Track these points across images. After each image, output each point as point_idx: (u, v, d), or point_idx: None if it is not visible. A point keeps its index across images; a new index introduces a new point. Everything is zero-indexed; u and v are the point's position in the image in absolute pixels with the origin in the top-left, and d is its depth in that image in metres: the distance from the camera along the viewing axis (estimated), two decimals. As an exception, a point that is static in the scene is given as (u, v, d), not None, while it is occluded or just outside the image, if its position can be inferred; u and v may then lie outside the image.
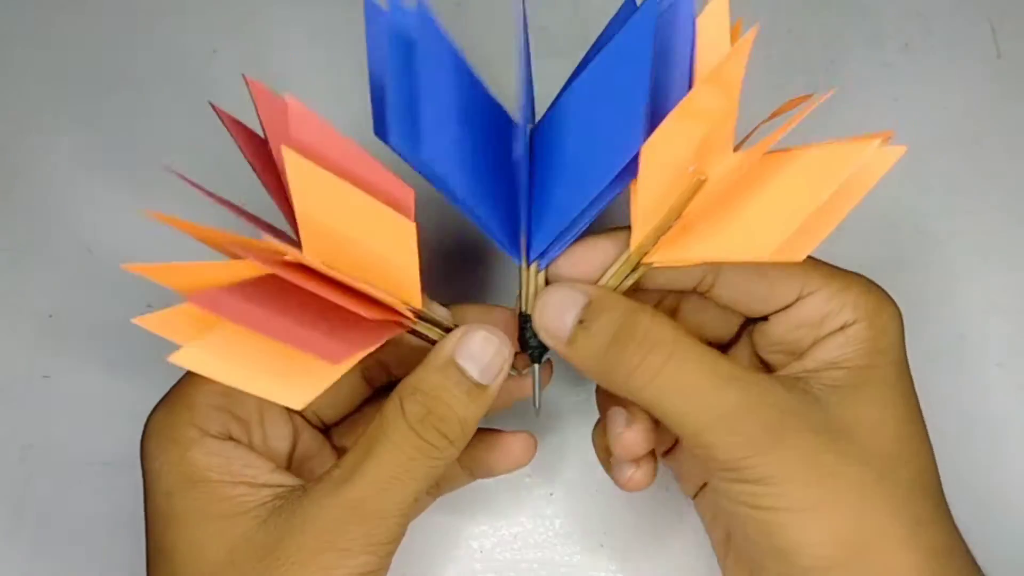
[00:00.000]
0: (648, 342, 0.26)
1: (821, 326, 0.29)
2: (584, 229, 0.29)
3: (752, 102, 0.42)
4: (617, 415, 0.30)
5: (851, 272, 0.30)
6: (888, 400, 0.28)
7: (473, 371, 0.27)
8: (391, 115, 0.26)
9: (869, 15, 0.43)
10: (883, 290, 0.30)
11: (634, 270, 0.28)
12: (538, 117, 0.30)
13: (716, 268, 0.30)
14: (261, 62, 0.43)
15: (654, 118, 0.27)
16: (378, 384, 0.33)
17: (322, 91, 0.42)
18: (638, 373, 0.26)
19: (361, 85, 0.43)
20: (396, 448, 0.26)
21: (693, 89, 0.26)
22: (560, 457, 0.37)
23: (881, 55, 0.42)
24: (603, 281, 0.29)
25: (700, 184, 0.26)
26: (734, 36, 0.28)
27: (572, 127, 0.28)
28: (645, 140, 0.27)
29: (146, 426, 0.30)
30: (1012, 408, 0.38)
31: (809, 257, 0.29)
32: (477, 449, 0.32)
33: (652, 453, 0.31)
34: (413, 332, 0.28)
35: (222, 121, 0.28)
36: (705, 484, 0.33)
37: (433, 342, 0.28)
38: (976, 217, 0.40)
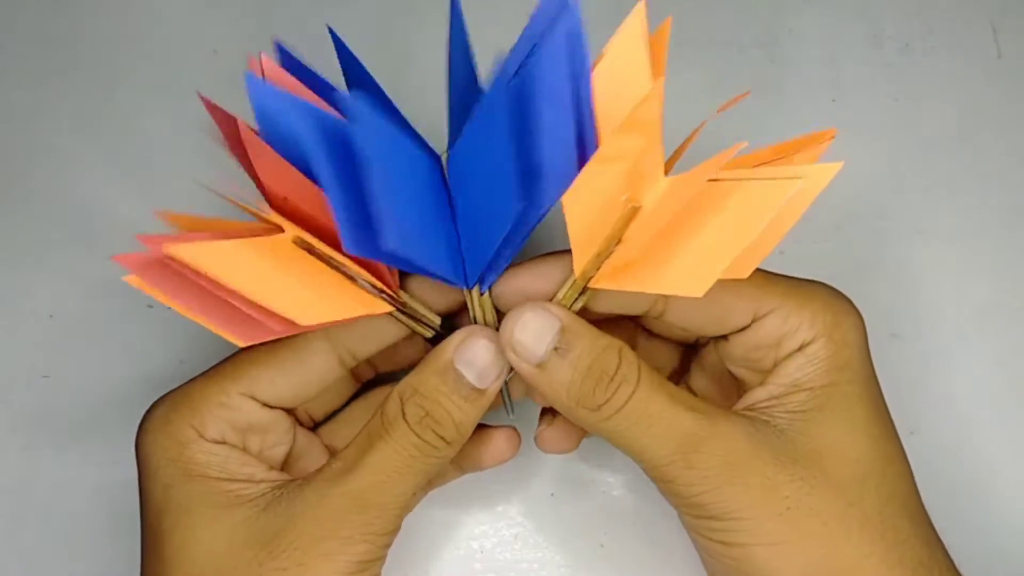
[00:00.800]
0: (619, 376, 0.27)
1: (779, 347, 0.29)
2: (518, 250, 0.29)
3: (753, 102, 0.42)
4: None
5: (812, 283, 0.30)
6: (853, 419, 0.28)
7: (471, 376, 0.27)
8: (341, 216, 0.25)
9: (869, 15, 0.43)
10: (844, 299, 0.30)
11: (581, 294, 0.28)
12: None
13: (665, 296, 0.29)
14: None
15: (580, 146, 0.26)
16: (365, 379, 0.34)
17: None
18: (605, 408, 0.27)
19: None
20: (397, 445, 0.27)
21: (605, 140, 0.26)
22: (561, 458, 0.37)
23: (881, 55, 0.42)
24: (556, 296, 0.29)
25: (634, 212, 0.27)
26: (661, 38, 0.27)
27: (470, 172, 0.28)
28: (521, 211, 0.26)
29: (143, 422, 0.30)
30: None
31: (768, 273, 0.29)
32: (465, 445, 0.32)
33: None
34: (396, 315, 0.29)
35: (209, 111, 0.28)
36: None
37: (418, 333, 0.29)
38: (976, 217, 0.40)
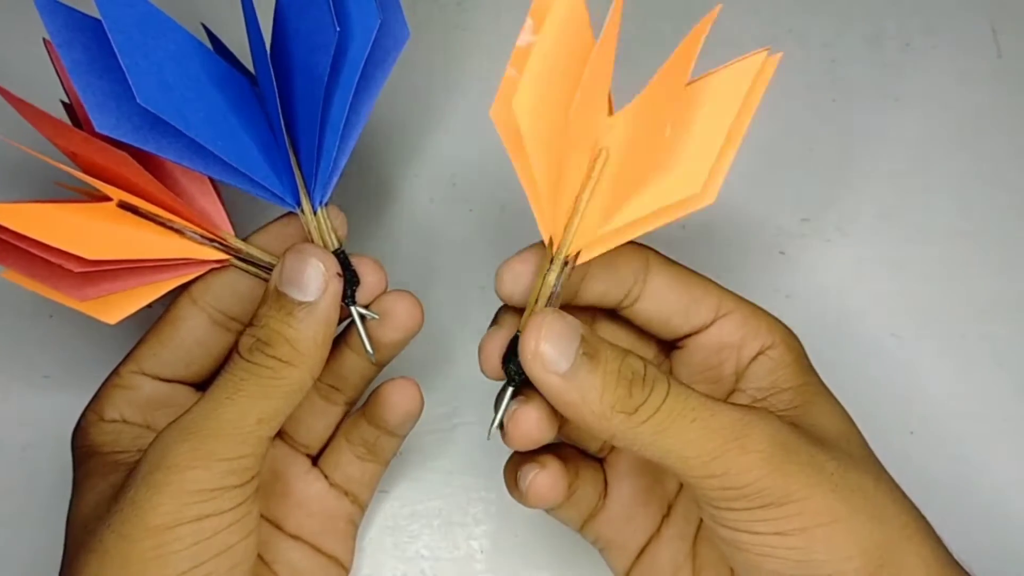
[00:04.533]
0: (651, 376, 0.26)
1: (742, 349, 0.30)
2: (345, 157, 0.29)
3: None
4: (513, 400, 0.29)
5: (757, 306, 0.31)
6: (833, 409, 0.29)
7: (294, 293, 0.27)
8: (88, 105, 0.27)
9: (869, 15, 0.43)
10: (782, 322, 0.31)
11: (566, 267, 0.28)
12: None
13: (643, 278, 0.29)
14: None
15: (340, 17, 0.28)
16: (350, 403, 0.34)
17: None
18: (643, 409, 0.25)
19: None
20: (228, 375, 0.27)
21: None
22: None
23: (881, 55, 0.42)
24: (542, 282, 0.28)
25: (606, 157, 0.26)
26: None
27: (288, 54, 0.30)
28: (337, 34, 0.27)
29: None
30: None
31: (724, 287, 0.30)
32: (371, 407, 0.32)
33: (562, 466, 0.30)
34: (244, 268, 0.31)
35: (8, 101, 0.29)
36: (641, 553, 0.32)
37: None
38: (976, 217, 0.40)
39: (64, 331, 0.39)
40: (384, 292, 0.31)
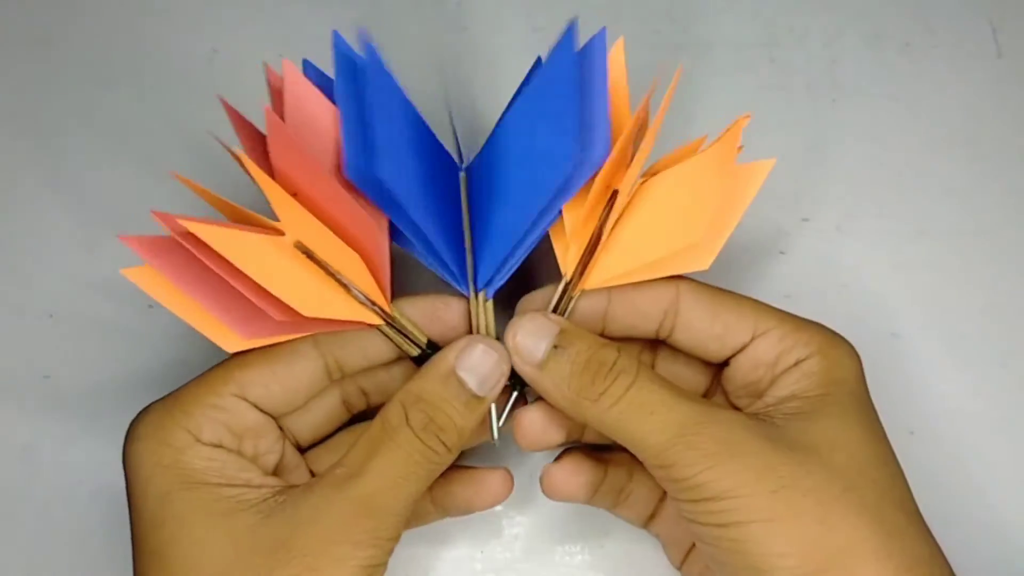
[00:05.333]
0: (616, 369, 0.28)
1: (776, 364, 0.30)
2: (525, 256, 0.31)
3: (754, 102, 0.42)
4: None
5: (807, 319, 0.31)
6: (847, 423, 0.29)
7: (472, 383, 0.29)
8: (347, 139, 0.28)
9: (869, 15, 0.43)
10: (840, 335, 0.31)
11: (566, 295, 0.31)
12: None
13: (674, 311, 0.31)
14: (261, 62, 0.43)
15: (583, 144, 0.29)
16: (356, 411, 0.34)
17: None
18: (605, 396, 0.28)
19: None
20: (402, 451, 0.28)
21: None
22: (560, 457, 0.37)
23: (881, 55, 0.42)
24: (550, 306, 0.31)
25: (614, 196, 0.30)
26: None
27: (509, 157, 0.30)
28: (578, 159, 0.29)
29: (132, 430, 0.29)
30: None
31: (766, 304, 0.31)
32: (453, 484, 0.32)
33: (582, 461, 0.32)
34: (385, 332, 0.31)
35: (228, 114, 0.30)
36: (691, 549, 0.33)
37: (406, 351, 0.31)
38: (976, 217, 0.40)
39: (64, 331, 0.39)
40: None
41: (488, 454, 0.36)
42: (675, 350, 0.33)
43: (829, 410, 0.29)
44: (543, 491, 0.33)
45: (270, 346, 0.29)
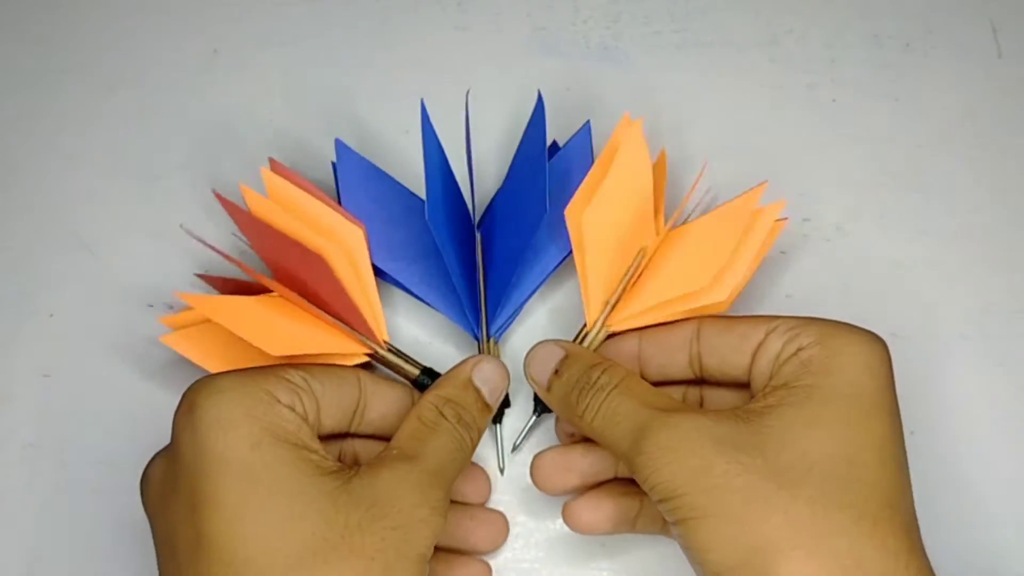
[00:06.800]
0: (596, 385, 0.31)
1: (780, 354, 0.31)
2: (526, 301, 0.38)
3: (754, 102, 0.42)
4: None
5: (835, 321, 0.32)
6: (819, 416, 0.29)
7: (485, 391, 0.33)
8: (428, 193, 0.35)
9: (869, 15, 0.43)
10: (870, 333, 0.31)
11: (590, 331, 0.35)
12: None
13: (696, 338, 0.34)
14: (261, 62, 0.43)
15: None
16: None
17: (320, 89, 0.42)
18: (587, 410, 0.31)
19: (358, 82, 0.44)
20: (447, 437, 0.32)
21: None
22: (560, 457, 0.37)
23: (881, 55, 0.42)
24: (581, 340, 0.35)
25: (644, 253, 0.35)
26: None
27: (505, 225, 0.37)
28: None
29: (206, 386, 0.29)
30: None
31: (774, 317, 0.32)
32: (455, 528, 0.35)
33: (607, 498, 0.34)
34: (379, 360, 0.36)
35: (223, 206, 0.35)
36: None
37: (403, 373, 0.36)
38: (976, 217, 0.40)
39: (64, 330, 0.39)
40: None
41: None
42: (718, 384, 0.34)
43: (806, 403, 0.29)
44: (568, 525, 0.34)
45: (328, 366, 0.34)
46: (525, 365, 0.34)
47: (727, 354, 0.33)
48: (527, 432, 0.36)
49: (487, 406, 0.33)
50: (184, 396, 0.30)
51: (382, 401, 0.34)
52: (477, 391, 0.33)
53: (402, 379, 0.36)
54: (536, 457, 0.34)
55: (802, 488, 0.28)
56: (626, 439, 0.30)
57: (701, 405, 0.35)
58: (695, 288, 0.34)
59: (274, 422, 0.29)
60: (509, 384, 0.34)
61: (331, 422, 0.32)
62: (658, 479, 0.29)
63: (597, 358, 0.33)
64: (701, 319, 0.34)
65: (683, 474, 0.28)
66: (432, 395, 0.33)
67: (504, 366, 0.34)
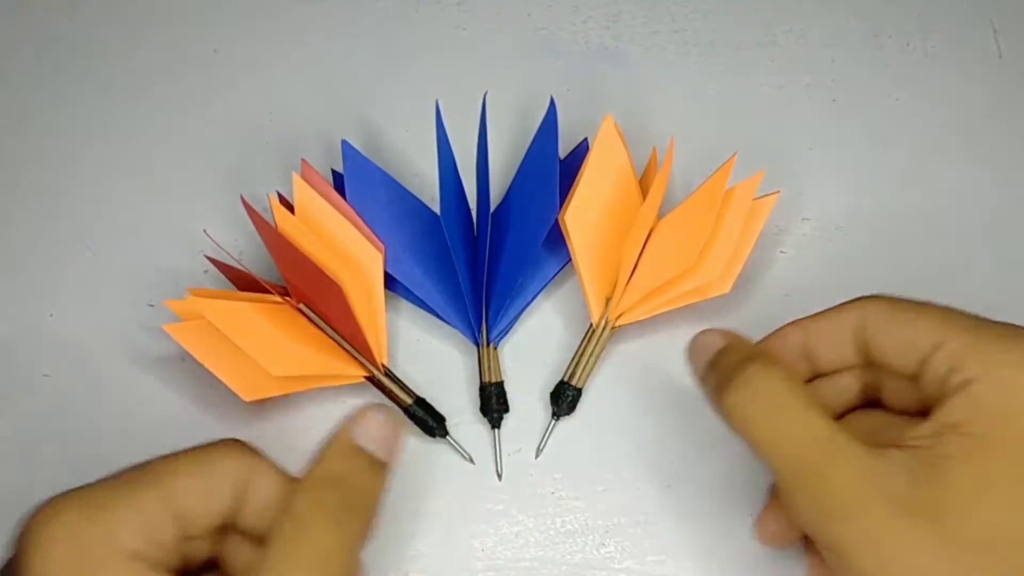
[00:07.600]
0: (743, 384, 0.29)
1: (946, 381, 0.28)
2: (525, 308, 0.38)
3: (754, 102, 0.42)
4: None
5: (1006, 324, 0.29)
6: (1000, 478, 0.26)
7: (376, 450, 0.29)
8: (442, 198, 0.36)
9: (869, 15, 0.43)
10: None
11: (604, 330, 0.36)
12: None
13: (863, 327, 0.30)
14: (261, 62, 0.43)
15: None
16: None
17: (320, 89, 0.42)
18: (735, 407, 0.29)
19: (358, 81, 0.44)
20: (332, 536, 0.27)
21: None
22: (562, 456, 0.37)
23: (881, 55, 0.43)
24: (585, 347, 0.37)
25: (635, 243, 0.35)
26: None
27: (512, 230, 0.37)
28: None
29: (35, 523, 0.27)
30: None
31: (958, 311, 0.29)
32: None
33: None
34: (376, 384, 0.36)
35: (248, 213, 0.34)
36: None
37: (394, 397, 0.35)
38: (976, 217, 0.40)
39: (64, 330, 0.39)
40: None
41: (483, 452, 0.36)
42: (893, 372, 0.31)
43: (983, 458, 0.26)
44: (758, 539, 0.33)
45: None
46: (687, 353, 0.32)
47: (893, 359, 0.30)
48: (547, 437, 0.37)
49: (382, 466, 0.29)
50: (24, 522, 0.27)
51: (266, 490, 0.29)
52: (367, 455, 0.29)
53: (395, 405, 0.36)
54: (762, 515, 0.33)
55: (988, 569, 0.25)
56: (787, 467, 0.27)
57: (879, 394, 0.32)
58: (682, 269, 0.35)
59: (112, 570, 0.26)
60: (403, 432, 0.30)
61: (203, 522, 0.28)
62: (825, 533, 0.27)
63: (755, 350, 0.30)
64: (865, 307, 0.30)
65: (857, 536, 0.26)
66: (310, 479, 0.28)
67: (392, 412, 0.30)
